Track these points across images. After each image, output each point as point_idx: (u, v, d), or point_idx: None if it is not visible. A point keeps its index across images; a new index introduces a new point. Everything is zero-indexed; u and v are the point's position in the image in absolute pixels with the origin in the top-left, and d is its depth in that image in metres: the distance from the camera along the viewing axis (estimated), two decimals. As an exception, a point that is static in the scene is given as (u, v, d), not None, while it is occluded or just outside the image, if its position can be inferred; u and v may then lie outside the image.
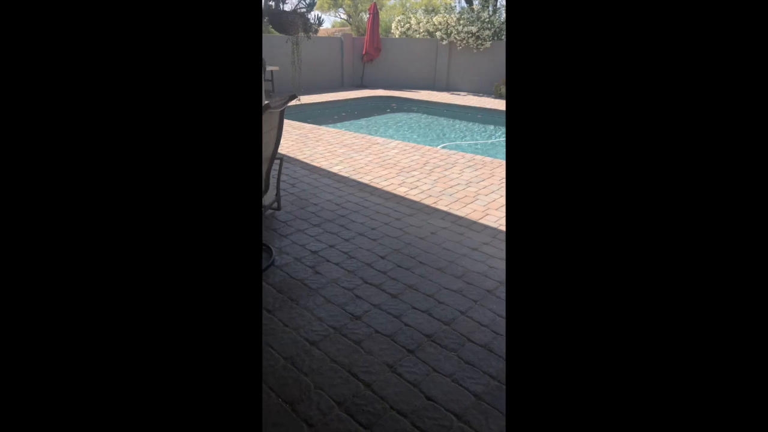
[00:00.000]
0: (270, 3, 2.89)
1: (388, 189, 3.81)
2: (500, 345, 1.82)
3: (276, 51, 8.82)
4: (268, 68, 8.71)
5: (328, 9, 18.82)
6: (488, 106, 8.99)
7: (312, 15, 2.82)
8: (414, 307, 2.07)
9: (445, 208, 3.39)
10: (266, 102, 2.00)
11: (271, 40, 8.96)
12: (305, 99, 8.90)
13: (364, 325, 1.93)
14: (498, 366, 1.70)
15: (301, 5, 2.85)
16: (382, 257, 2.56)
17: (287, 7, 2.88)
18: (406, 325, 1.94)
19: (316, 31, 2.96)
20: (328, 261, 2.50)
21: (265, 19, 2.93)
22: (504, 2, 14.30)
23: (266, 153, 2.24)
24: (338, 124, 7.70)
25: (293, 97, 2.24)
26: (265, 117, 1.99)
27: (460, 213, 3.31)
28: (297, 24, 2.85)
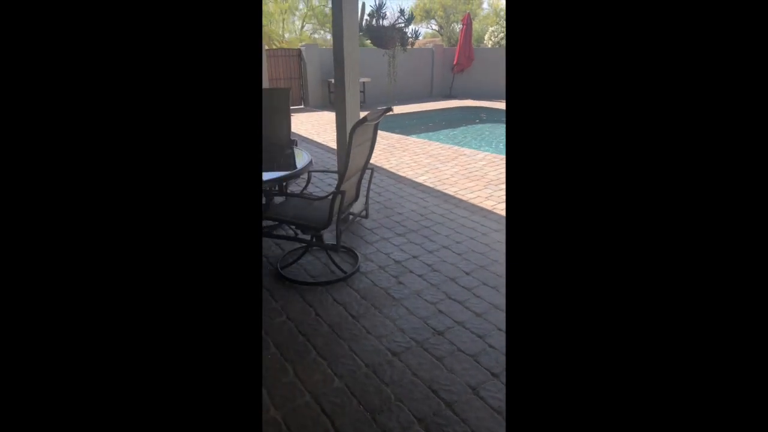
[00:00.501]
0: (367, 18, 3.01)
1: (474, 202, 3.72)
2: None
3: (368, 63, 9.14)
4: (361, 79, 9.08)
5: (420, 20, 19.10)
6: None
7: (409, 29, 2.88)
8: (499, 329, 1.98)
9: (535, 226, 3.21)
10: (364, 115, 2.07)
11: (365, 52, 9.33)
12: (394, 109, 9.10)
13: (447, 342, 1.89)
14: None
15: (399, 21, 2.92)
16: (467, 273, 2.50)
17: (386, 23, 2.97)
18: (490, 346, 1.86)
19: (413, 44, 3.01)
20: (411, 272, 2.51)
21: (360, 33, 3.05)
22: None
23: (359, 163, 2.32)
24: (425, 134, 7.73)
25: (388, 110, 2.30)
26: (361, 129, 2.06)
27: (552, 232, 3.10)
28: (395, 38, 2.92)
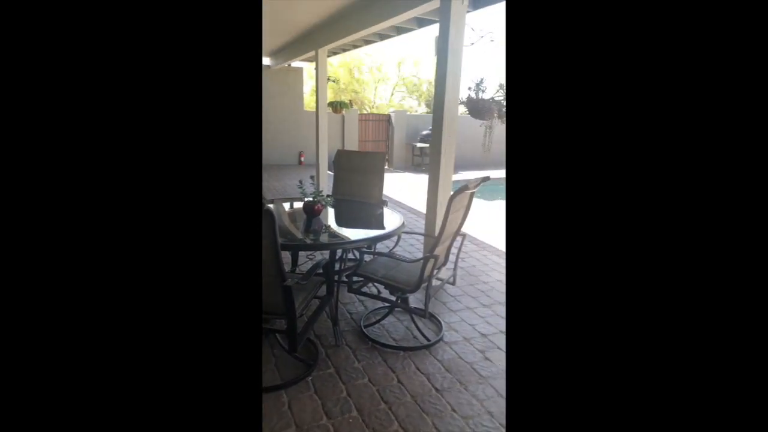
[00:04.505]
0: (469, 91, 3.13)
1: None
2: None
3: (460, 130, 9.41)
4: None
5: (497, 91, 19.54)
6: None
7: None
8: (604, 430, 1.74)
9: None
10: (466, 182, 2.10)
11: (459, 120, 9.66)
12: (475, 174, 9.14)
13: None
14: None
15: (498, 94, 3.01)
16: (562, 357, 2.28)
17: (485, 95, 3.07)
18: None
19: (511, 116, 3.06)
20: (498, 348, 2.35)
21: (461, 105, 3.17)
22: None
23: (452, 229, 2.32)
24: (507, 202, 7.59)
25: (486, 179, 2.31)
26: (460, 197, 2.08)
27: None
28: (492, 110, 3.00)
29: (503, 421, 1.77)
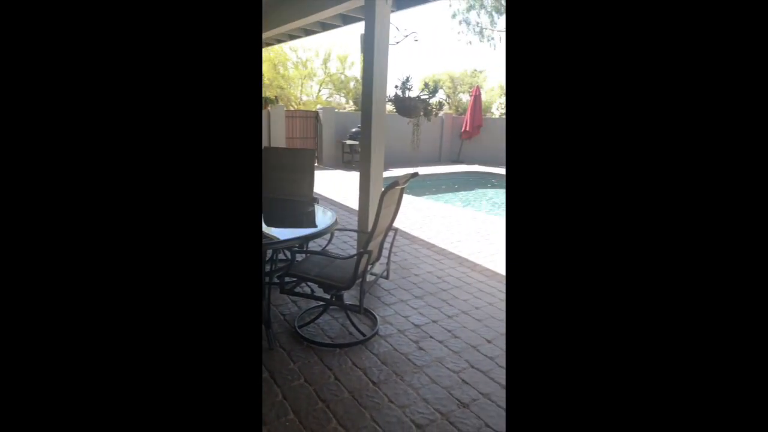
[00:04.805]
0: (396, 89, 3.20)
1: (489, 266, 3.71)
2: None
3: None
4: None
5: (422, 89, 20.20)
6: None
7: (434, 100, 3.06)
8: (527, 404, 1.89)
9: (553, 294, 3.17)
10: (396, 178, 2.15)
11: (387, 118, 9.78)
12: (404, 171, 9.37)
13: (473, 415, 1.80)
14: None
15: (423, 93, 3.11)
16: (489, 341, 2.43)
17: (411, 94, 3.15)
18: (519, 423, 1.77)
19: (437, 114, 3.18)
20: (431, 337, 2.44)
21: (388, 103, 3.23)
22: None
23: (385, 224, 2.36)
24: (436, 196, 7.89)
25: (415, 174, 2.38)
26: (391, 192, 2.12)
27: (571, 301, 3.06)
28: (419, 108, 3.09)
29: (438, 407, 1.85)
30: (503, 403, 1.88)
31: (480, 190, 9.09)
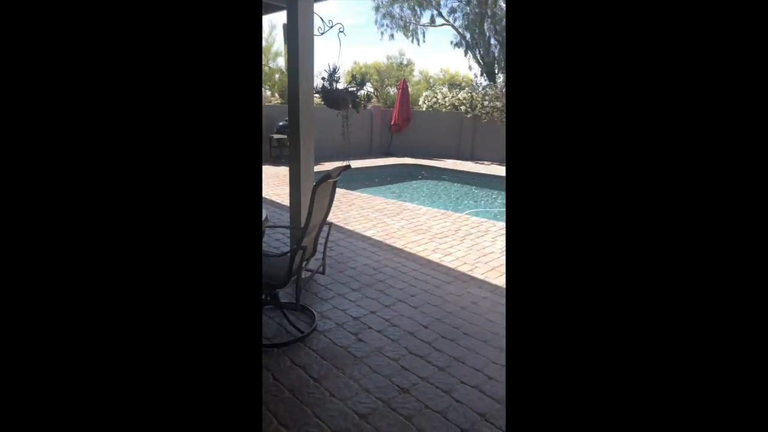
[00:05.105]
0: (323, 81, 3.15)
1: (423, 255, 3.83)
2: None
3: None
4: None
5: (349, 81, 20.16)
6: (514, 176, 9.16)
7: (362, 92, 3.06)
8: (463, 382, 2.00)
9: (481, 277, 3.36)
10: (328, 171, 2.12)
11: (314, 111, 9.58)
12: (336, 164, 9.29)
13: (414, 399, 1.86)
14: (561, 453, 1.59)
15: (351, 85, 3.10)
16: (425, 326, 2.52)
17: (339, 86, 3.13)
18: (456, 401, 1.86)
19: (365, 106, 3.19)
20: (370, 328, 2.47)
21: (316, 96, 3.18)
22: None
23: (318, 219, 2.33)
24: (369, 189, 7.94)
25: (348, 167, 2.37)
26: (323, 186, 2.10)
27: (497, 282, 3.26)
28: (347, 100, 3.08)
29: (379, 395, 1.88)
30: (441, 385, 1.97)
31: (410, 183, 9.32)
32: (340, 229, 4.57)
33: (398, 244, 4.11)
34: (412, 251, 3.92)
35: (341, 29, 3.02)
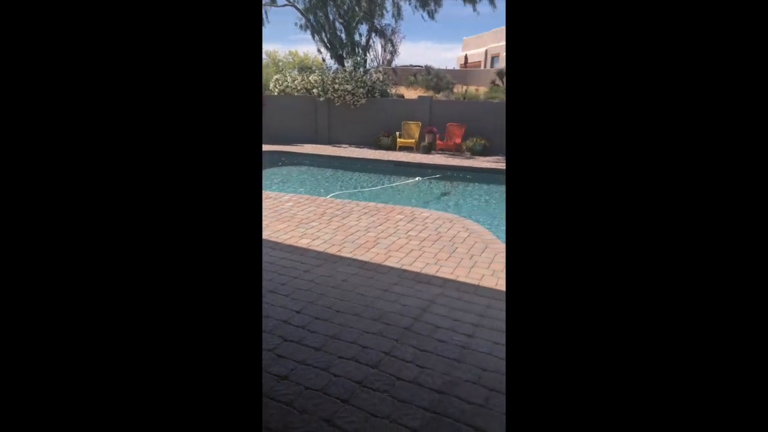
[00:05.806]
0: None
1: (290, 242, 3.78)
2: (427, 378, 1.93)
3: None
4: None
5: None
6: (370, 157, 9.61)
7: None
8: (340, 357, 2.08)
9: (349, 255, 3.49)
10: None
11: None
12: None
13: (293, 384, 1.87)
14: (430, 398, 1.79)
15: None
16: (298, 312, 2.52)
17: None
18: (335, 375, 1.93)
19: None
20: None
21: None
22: (373, 63, 15.70)
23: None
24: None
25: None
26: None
27: (365, 258, 3.43)
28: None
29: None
30: (319, 364, 2.01)
31: (269, 170, 9.00)
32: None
33: (264, 234, 3.97)
34: (278, 240, 3.83)
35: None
